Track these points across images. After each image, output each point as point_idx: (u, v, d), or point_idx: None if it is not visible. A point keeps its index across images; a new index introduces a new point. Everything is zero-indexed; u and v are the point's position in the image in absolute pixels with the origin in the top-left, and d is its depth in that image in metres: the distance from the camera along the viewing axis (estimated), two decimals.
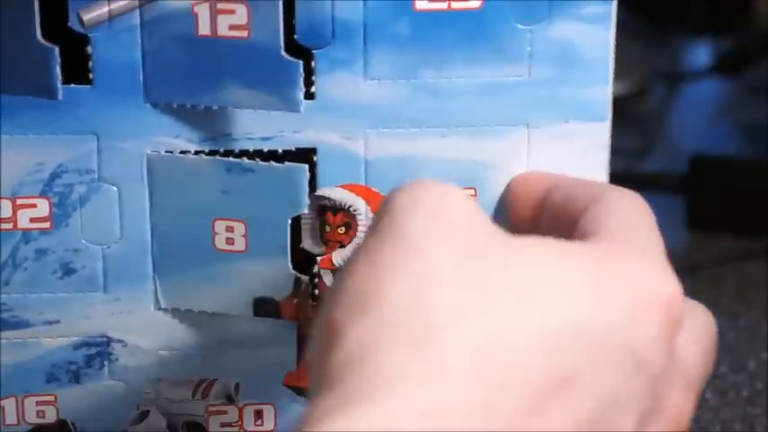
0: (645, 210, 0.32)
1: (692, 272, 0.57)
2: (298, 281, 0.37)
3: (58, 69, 0.35)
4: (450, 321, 0.26)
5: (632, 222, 0.31)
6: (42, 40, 0.34)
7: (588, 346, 0.27)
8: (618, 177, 0.41)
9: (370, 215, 0.37)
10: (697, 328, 0.31)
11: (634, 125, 0.67)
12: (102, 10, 0.35)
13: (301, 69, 0.35)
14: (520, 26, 0.36)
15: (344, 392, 0.25)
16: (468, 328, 0.26)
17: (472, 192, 0.37)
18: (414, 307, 0.26)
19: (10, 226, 0.37)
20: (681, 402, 0.29)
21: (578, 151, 0.37)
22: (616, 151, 0.39)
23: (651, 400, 0.28)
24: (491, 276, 0.27)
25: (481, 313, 0.26)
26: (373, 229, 0.29)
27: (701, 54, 0.78)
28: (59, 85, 0.35)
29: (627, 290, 0.28)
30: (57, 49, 0.34)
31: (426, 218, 0.28)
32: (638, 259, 0.29)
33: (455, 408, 0.25)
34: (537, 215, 0.35)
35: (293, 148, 0.37)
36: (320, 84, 0.36)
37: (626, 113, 0.60)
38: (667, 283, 0.29)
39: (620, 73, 0.37)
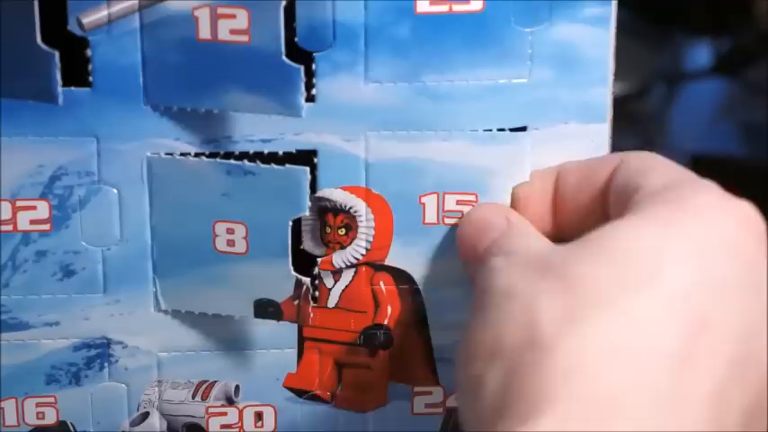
0: (652, 154, 0.34)
1: None
2: (298, 282, 0.37)
3: (58, 74, 0.35)
4: (559, 334, 0.28)
5: (659, 166, 0.33)
6: (42, 45, 0.34)
7: (709, 293, 0.28)
8: None
9: (371, 217, 0.37)
10: None
11: (634, 125, 0.67)
12: (102, 13, 0.34)
13: (302, 74, 0.35)
14: (521, 28, 0.36)
15: (574, 413, 0.26)
16: (583, 336, 0.27)
17: (473, 197, 0.37)
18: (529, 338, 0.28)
19: (10, 228, 0.37)
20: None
21: (579, 153, 0.37)
22: (616, 151, 0.38)
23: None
24: (579, 278, 0.28)
25: (589, 317, 0.28)
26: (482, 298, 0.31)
27: (701, 54, 0.77)
28: (59, 89, 0.35)
29: (708, 230, 0.29)
30: (57, 54, 0.34)
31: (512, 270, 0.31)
32: (698, 195, 0.31)
33: (609, 409, 0.26)
34: (556, 210, 0.36)
35: (294, 151, 0.37)
36: (321, 86, 0.36)
37: (626, 113, 0.60)
38: (736, 201, 0.31)
39: (620, 73, 0.37)
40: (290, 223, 0.37)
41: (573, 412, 0.26)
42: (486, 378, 0.28)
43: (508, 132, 0.36)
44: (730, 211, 0.30)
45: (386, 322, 0.38)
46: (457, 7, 0.35)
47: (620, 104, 0.38)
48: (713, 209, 0.30)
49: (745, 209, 0.31)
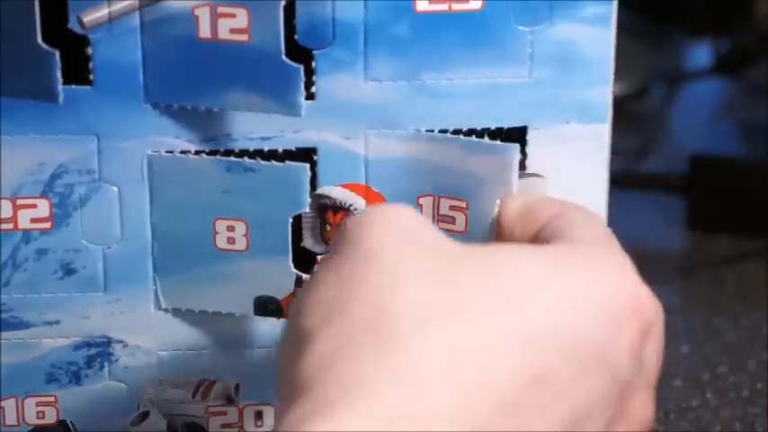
0: (602, 221, 0.33)
1: (692, 272, 0.57)
2: (299, 279, 0.37)
3: (58, 73, 0.35)
4: (418, 324, 0.26)
5: (595, 231, 0.31)
6: (43, 45, 0.34)
7: (564, 348, 0.27)
8: (618, 177, 0.41)
9: None
10: (659, 328, 0.30)
11: (634, 125, 0.67)
12: (103, 12, 0.35)
13: (302, 74, 0.35)
14: (520, 27, 0.36)
15: (319, 398, 0.25)
16: (438, 330, 0.26)
17: (464, 204, 0.37)
18: (377, 311, 0.26)
19: (10, 226, 0.37)
20: (644, 406, 0.29)
21: (579, 152, 0.37)
22: (616, 151, 0.39)
23: (619, 406, 0.28)
24: (457, 277, 0.27)
25: (451, 315, 0.26)
26: (333, 249, 0.29)
27: (701, 54, 0.77)
28: (60, 88, 0.35)
29: (599, 292, 0.28)
30: (57, 54, 0.34)
31: (378, 230, 0.28)
32: (607, 261, 0.29)
33: (432, 410, 0.25)
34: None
35: (293, 148, 0.37)
36: (321, 84, 0.36)
37: (626, 113, 0.60)
38: (638, 287, 0.29)
39: (620, 73, 0.37)
40: (291, 220, 0.37)
41: (384, 404, 0.25)
42: (317, 337, 0.27)
43: (498, 143, 0.36)
44: (624, 288, 0.29)
45: None
46: (456, 6, 0.36)
47: (620, 104, 0.38)
48: (610, 278, 0.29)
49: (641, 293, 0.29)
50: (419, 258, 0.27)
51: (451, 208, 0.37)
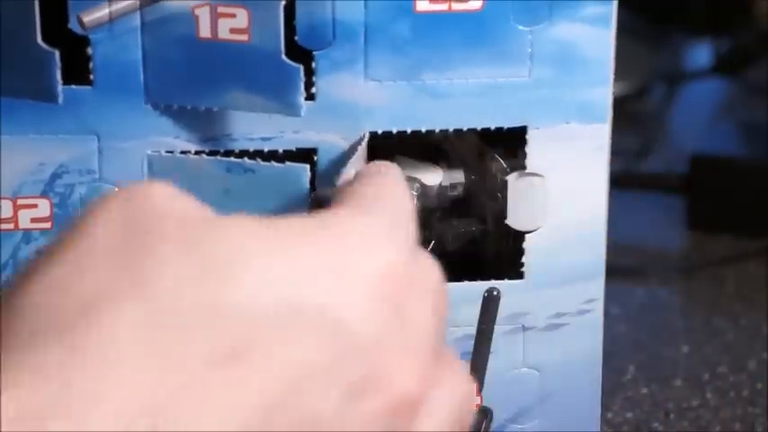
0: (395, 181, 0.30)
1: (692, 272, 0.57)
2: None
3: (58, 73, 0.35)
4: (98, 302, 0.24)
5: (375, 192, 0.29)
6: (43, 44, 0.34)
7: (268, 318, 0.25)
8: (618, 177, 0.41)
9: None
10: (425, 286, 0.27)
11: (634, 125, 0.67)
12: (103, 12, 0.35)
13: (302, 74, 0.35)
14: (520, 27, 0.36)
15: None
16: (116, 310, 0.24)
17: None
18: (56, 293, 0.24)
19: (11, 226, 0.37)
20: (408, 372, 0.26)
21: (579, 152, 0.37)
22: (616, 151, 0.39)
23: (365, 371, 0.25)
24: (153, 252, 0.25)
25: (138, 291, 0.24)
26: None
27: (701, 54, 0.78)
28: (60, 88, 0.35)
29: (334, 258, 0.26)
30: (57, 54, 0.35)
31: (92, 212, 0.26)
32: (358, 226, 0.27)
33: (99, 393, 0.23)
34: None
35: (294, 149, 0.37)
36: (321, 85, 0.36)
37: (626, 113, 0.60)
38: (388, 251, 0.26)
39: (620, 73, 0.37)
40: None
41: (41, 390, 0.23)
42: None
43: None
44: (368, 255, 0.26)
45: None
46: (456, 6, 0.36)
47: (620, 104, 0.38)
48: (351, 246, 0.26)
49: (391, 258, 0.26)
50: (122, 236, 0.25)
51: None
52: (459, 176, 0.39)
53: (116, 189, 0.27)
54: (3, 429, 0.23)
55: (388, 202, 0.29)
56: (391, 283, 0.26)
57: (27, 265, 0.26)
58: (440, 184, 0.39)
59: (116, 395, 0.23)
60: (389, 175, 0.30)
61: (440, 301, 0.27)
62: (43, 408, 0.23)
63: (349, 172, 0.35)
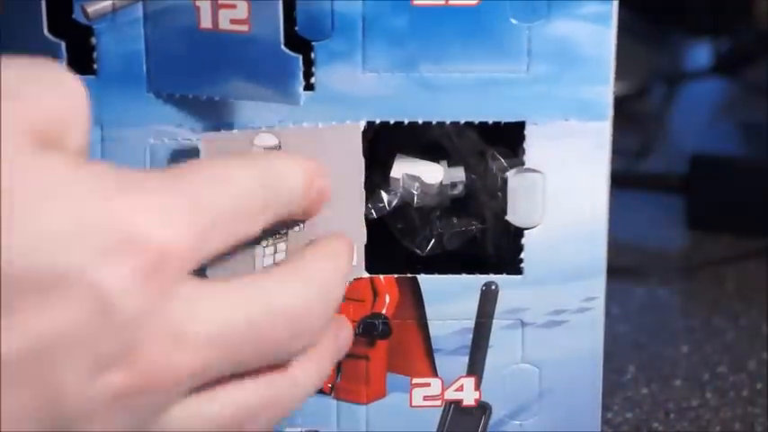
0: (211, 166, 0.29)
1: (692, 272, 0.57)
2: None
3: (64, 64, 0.35)
4: None
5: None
6: (49, 35, 0.35)
7: (30, 280, 0.24)
8: (618, 177, 0.41)
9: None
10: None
11: (634, 125, 0.68)
12: (106, 2, 0.35)
13: (301, 63, 0.35)
14: (517, 22, 0.36)
15: None
16: None
17: None
18: None
19: None
20: (160, 355, 0.26)
21: (579, 150, 0.37)
22: (616, 151, 0.39)
23: (116, 346, 0.25)
24: None
25: None
26: None
27: (701, 54, 0.78)
28: None
29: (100, 228, 0.25)
30: (63, 45, 0.35)
31: None
32: (136, 198, 0.26)
33: None
34: None
35: None
36: (320, 75, 0.36)
37: (626, 113, 0.60)
38: (160, 229, 0.26)
39: (620, 73, 0.38)
40: None
41: None
42: None
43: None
44: (111, 222, 0.25)
45: (384, 312, 0.38)
46: (453, 0, 0.36)
47: (619, 104, 0.38)
48: (88, 209, 0.25)
49: (135, 229, 0.26)
50: None
51: None
52: (459, 175, 0.39)
53: None
54: None
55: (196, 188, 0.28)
56: (155, 263, 0.25)
57: None
58: (440, 183, 0.39)
59: None
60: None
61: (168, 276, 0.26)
62: None
63: (262, 135, 0.35)
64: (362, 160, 0.36)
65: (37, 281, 0.24)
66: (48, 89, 0.27)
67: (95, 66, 0.36)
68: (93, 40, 0.36)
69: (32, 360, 0.24)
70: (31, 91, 0.26)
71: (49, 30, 0.35)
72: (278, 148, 0.36)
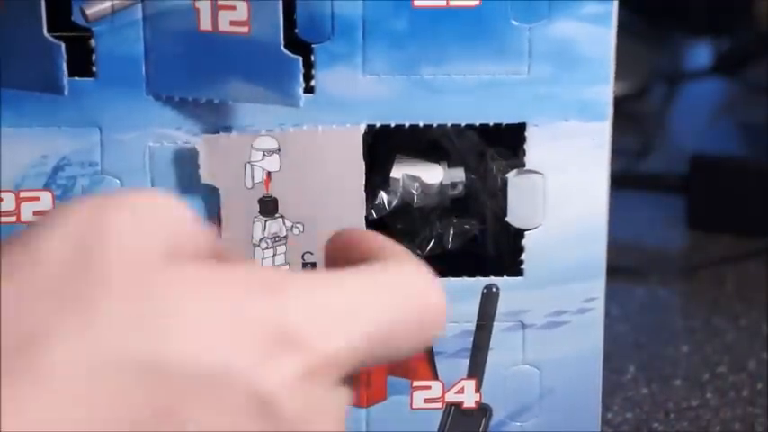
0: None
1: (692, 272, 0.57)
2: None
3: (64, 66, 0.35)
4: (38, 341, 0.24)
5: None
6: (49, 37, 0.35)
7: (203, 383, 0.25)
8: (618, 177, 0.41)
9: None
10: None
11: (634, 125, 0.68)
12: (105, 4, 0.35)
13: (301, 65, 0.35)
14: (518, 24, 0.36)
15: None
16: (60, 350, 0.24)
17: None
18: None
19: (13, 219, 0.37)
20: None
21: (579, 150, 0.37)
22: (616, 151, 0.39)
23: None
24: (98, 295, 0.25)
25: (80, 335, 0.24)
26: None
27: (701, 54, 0.78)
28: (65, 80, 0.35)
29: (262, 328, 0.25)
30: (63, 46, 0.35)
31: (44, 228, 0.25)
32: (294, 298, 0.26)
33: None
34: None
35: None
36: (320, 78, 0.36)
37: (626, 113, 0.60)
38: (320, 332, 0.26)
39: (620, 73, 0.38)
40: None
41: None
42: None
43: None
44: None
45: None
46: (454, 2, 0.36)
47: (619, 104, 0.38)
48: (270, 316, 0.26)
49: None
50: (68, 270, 0.25)
51: None
52: (459, 175, 0.39)
53: (73, 204, 0.26)
54: None
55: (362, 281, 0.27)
56: (323, 369, 0.26)
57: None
58: (440, 183, 0.39)
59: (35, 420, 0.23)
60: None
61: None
62: None
63: (260, 138, 0.35)
64: (363, 163, 0.36)
65: (202, 379, 0.25)
66: (161, 209, 0.27)
67: (94, 68, 0.36)
68: (93, 43, 0.36)
69: None
70: (149, 211, 0.27)
71: (48, 32, 0.35)
72: (278, 151, 0.36)
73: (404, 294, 0.27)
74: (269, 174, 0.37)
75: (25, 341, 0.24)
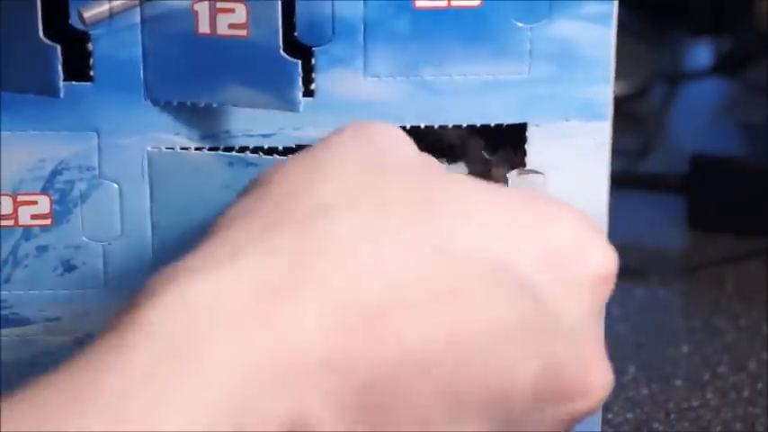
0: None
1: (692, 272, 0.57)
2: None
3: (60, 68, 0.35)
4: (336, 206, 0.26)
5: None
6: (44, 39, 0.34)
7: (483, 271, 0.26)
8: (618, 177, 0.41)
9: None
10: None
11: (634, 125, 0.68)
12: (103, 7, 0.35)
13: (300, 69, 0.35)
14: (519, 24, 0.36)
15: (205, 254, 0.27)
16: (354, 215, 0.26)
17: None
18: (300, 191, 0.27)
19: (11, 222, 0.37)
20: (594, 370, 0.27)
21: (579, 150, 0.37)
22: (616, 151, 0.39)
23: (553, 357, 0.26)
24: (386, 184, 0.27)
25: (371, 208, 0.26)
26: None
27: (701, 54, 0.78)
28: (61, 83, 0.35)
29: (542, 236, 0.28)
30: (59, 48, 0.35)
31: (341, 133, 0.30)
32: (569, 215, 0.29)
33: (305, 288, 0.25)
34: None
35: (293, 146, 0.37)
36: (320, 81, 0.36)
37: (626, 113, 0.60)
38: (603, 253, 0.29)
39: (620, 73, 0.38)
40: None
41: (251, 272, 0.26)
42: (238, 202, 0.29)
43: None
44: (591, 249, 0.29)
45: None
46: (455, 2, 0.36)
47: (620, 104, 0.38)
48: (567, 230, 0.29)
49: (607, 263, 0.29)
50: (366, 171, 0.28)
51: None
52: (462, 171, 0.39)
53: (361, 124, 0.30)
54: (241, 302, 0.24)
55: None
56: (598, 286, 0.28)
57: (281, 162, 0.29)
58: None
59: (335, 287, 0.25)
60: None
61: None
62: (273, 284, 0.25)
63: None
64: None
65: (503, 273, 0.27)
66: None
67: (92, 72, 0.36)
68: (90, 46, 0.36)
69: (486, 347, 0.26)
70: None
71: (45, 35, 0.34)
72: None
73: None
74: None
75: (325, 206, 0.26)
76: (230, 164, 0.37)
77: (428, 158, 0.29)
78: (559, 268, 0.27)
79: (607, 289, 0.28)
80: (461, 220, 0.27)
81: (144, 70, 0.36)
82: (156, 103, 0.36)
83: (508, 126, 0.37)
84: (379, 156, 0.28)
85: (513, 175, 0.38)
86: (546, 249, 0.27)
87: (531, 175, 0.38)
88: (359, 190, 0.27)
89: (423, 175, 0.28)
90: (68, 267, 0.38)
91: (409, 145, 0.30)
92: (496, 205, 0.28)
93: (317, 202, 0.26)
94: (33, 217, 0.37)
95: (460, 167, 0.39)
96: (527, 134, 0.37)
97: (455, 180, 0.28)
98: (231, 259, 0.25)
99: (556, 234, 0.28)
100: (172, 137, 0.37)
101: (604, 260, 0.28)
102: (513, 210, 0.28)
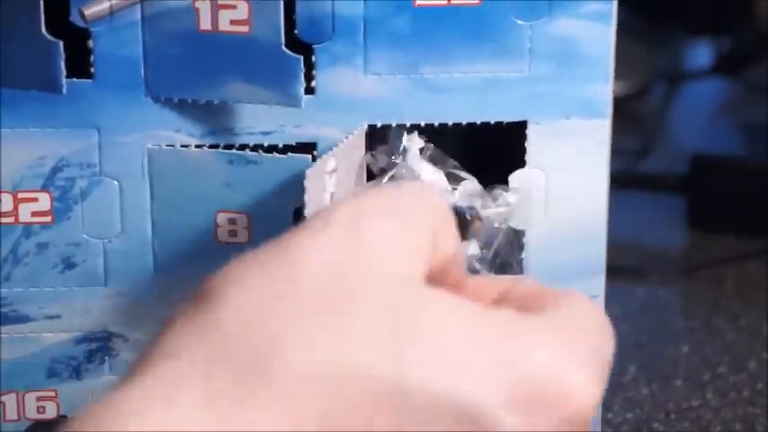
0: (602, 318, 0.29)
1: (692, 272, 0.57)
2: None
3: (62, 64, 0.35)
4: (297, 350, 0.24)
5: (584, 320, 0.28)
6: (47, 35, 0.34)
7: (441, 413, 0.25)
8: (618, 177, 0.41)
9: None
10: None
11: (634, 125, 0.68)
12: (104, 5, 0.35)
13: (302, 65, 0.35)
14: (519, 22, 0.36)
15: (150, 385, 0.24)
16: (314, 358, 0.24)
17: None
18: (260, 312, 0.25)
19: (11, 220, 0.37)
20: None
21: (579, 148, 0.37)
22: (616, 151, 0.39)
23: None
24: (354, 309, 0.25)
25: (331, 340, 0.24)
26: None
27: (701, 54, 0.78)
28: (64, 79, 0.35)
29: (516, 372, 0.25)
30: (61, 44, 0.35)
31: (308, 235, 0.26)
32: (546, 346, 0.26)
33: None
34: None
35: (294, 143, 0.37)
36: (321, 78, 0.36)
37: (626, 113, 0.60)
38: (580, 385, 0.26)
39: (620, 72, 0.38)
40: (293, 212, 0.37)
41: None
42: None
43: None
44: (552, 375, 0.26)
45: None
46: (455, 0, 0.36)
47: (620, 104, 0.38)
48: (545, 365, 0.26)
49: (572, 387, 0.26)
50: (333, 287, 0.25)
51: None
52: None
53: (332, 212, 0.26)
54: None
55: (597, 341, 0.27)
56: (572, 426, 0.26)
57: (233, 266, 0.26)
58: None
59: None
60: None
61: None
62: None
63: (327, 162, 0.34)
64: (364, 165, 0.36)
65: (440, 409, 0.25)
66: (422, 211, 0.27)
67: (92, 69, 0.36)
68: (91, 44, 0.36)
69: None
70: (409, 219, 0.27)
71: (47, 32, 0.35)
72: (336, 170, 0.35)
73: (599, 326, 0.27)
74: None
75: (267, 343, 0.24)
76: (230, 161, 0.37)
77: (402, 268, 0.26)
78: (533, 410, 0.25)
79: (585, 428, 0.26)
80: (432, 355, 0.25)
81: (144, 67, 0.36)
82: (156, 100, 0.36)
83: (508, 123, 0.37)
84: (352, 265, 0.25)
85: (512, 175, 0.38)
86: (520, 388, 0.25)
87: (530, 173, 0.38)
88: (321, 316, 0.25)
89: (396, 296, 0.25)
90: (69, 265, 0.38)
91: (390, 246, 0.26)
92: (470, 339, 0.25)
93: (268, 338, 0.24)
94: (34, 214, 0.37)
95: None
96: (527, 132, 0.37)
97: (431, 302, 0.26)
98: (167, 404, 0.24)
99: (533, 367, 0.26)
100: (172, 134, 0.37)
101: (584, 391, 0.26)
102: (489, 342, 0.26)
